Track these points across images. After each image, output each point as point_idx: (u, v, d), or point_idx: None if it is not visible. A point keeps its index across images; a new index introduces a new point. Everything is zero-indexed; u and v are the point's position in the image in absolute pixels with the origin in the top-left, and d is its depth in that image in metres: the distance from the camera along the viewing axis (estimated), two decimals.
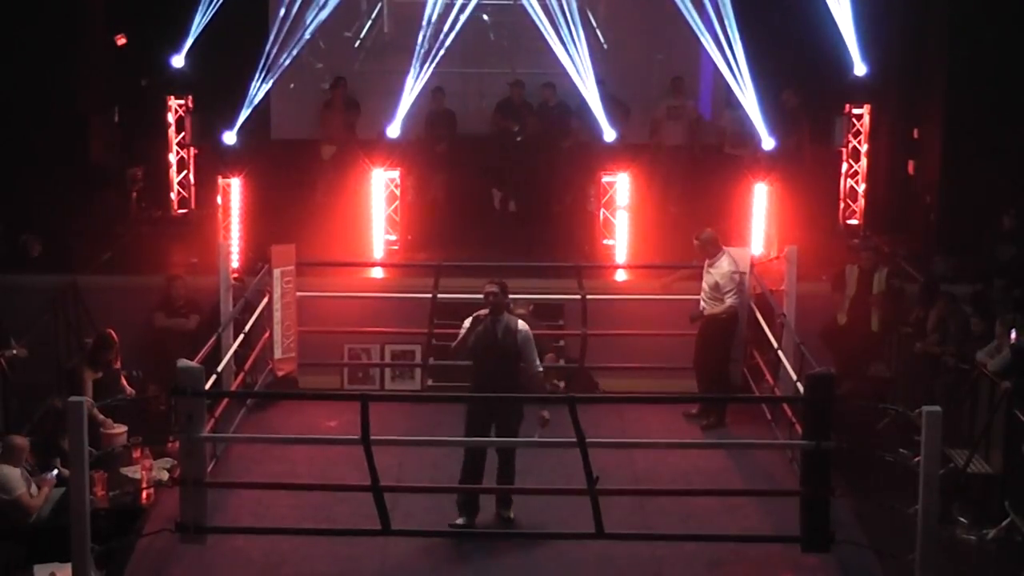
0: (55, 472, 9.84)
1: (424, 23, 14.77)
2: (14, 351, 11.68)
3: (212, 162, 15.04)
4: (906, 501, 8.71)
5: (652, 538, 9.32)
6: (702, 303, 11.70)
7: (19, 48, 14.64)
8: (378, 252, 13.96)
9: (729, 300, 11.50)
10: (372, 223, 13.97)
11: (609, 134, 14.63)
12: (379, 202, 14.00)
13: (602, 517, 8.75)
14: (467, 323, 9.69)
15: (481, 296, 9.70)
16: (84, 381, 11.12)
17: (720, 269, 11.51)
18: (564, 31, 14.55)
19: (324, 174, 15.52)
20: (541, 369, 9.75)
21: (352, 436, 8.66)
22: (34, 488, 9.60)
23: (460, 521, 9.55)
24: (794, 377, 10.65)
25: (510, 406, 9.50)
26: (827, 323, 12.72)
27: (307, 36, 15.13)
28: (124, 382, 11.57)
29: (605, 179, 14.07)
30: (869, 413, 11.36)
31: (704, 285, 11.66)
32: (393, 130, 14.67)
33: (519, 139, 15.57)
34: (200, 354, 9.78)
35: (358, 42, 16.72)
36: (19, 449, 9.66)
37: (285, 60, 14.85)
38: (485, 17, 16.32)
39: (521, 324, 9.65)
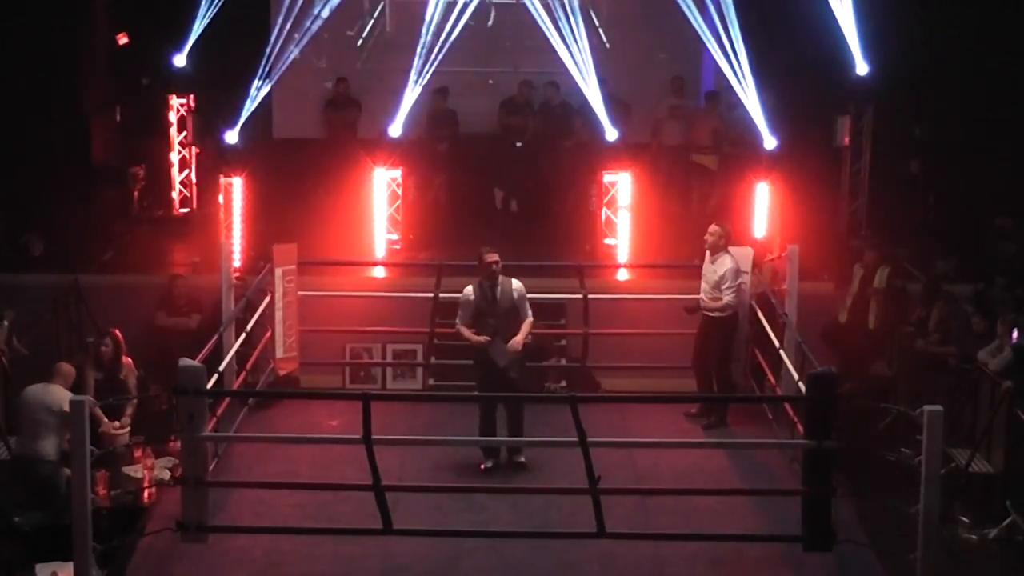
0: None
1: (426, 22, 14.77)
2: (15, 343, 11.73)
3: (214, 161, 15.04)
4: (907, 500, 8.69)
5: (653, 537, 9.32)
6: (702, 299, 11.67)
7: (21, 48, 14.65)
8: (380, 251, 13.96)
9: (727, 297, 11.47)
10: (374, 222, 13.97)
11: (611, 133, 14.63)
12: (381, 201, 14.00)
13: (604, 516, 8.75)
14: (468, 290, 10.56)
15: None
16: (86, 380, 11.11)
17: (724, 265, 11.49)
18: (566, 30, 14.54)
19: (325, 173, 15.52)
20: (530, 317, 10.70)
21: (354, 435, 8.66)
22: None
23: (489, 464, 10.54)
24: (795, 376, 10.65)
25: (515, 365, 10.49)
26: (829, 322, 12.71)
27: (309, 35, 15.14)
28: (132, 380, 11.53)
29: (607, 178, 14.06)
30: (871, 412, 11.35)
31: (704, 284, 11.64)
32: (395, 129, 14.67)
33: (519, 144, 15.59)
34: (202, 353, 9.78)
35: (360, 41, 16.71)
36: (67, 375, 10.30)
37: (287, 59, 14.85)
38: (494, 3, 16.30)
39: (515, 283, 10.62)
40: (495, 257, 10.51)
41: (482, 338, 10.49)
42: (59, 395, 9.94)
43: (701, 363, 11.73)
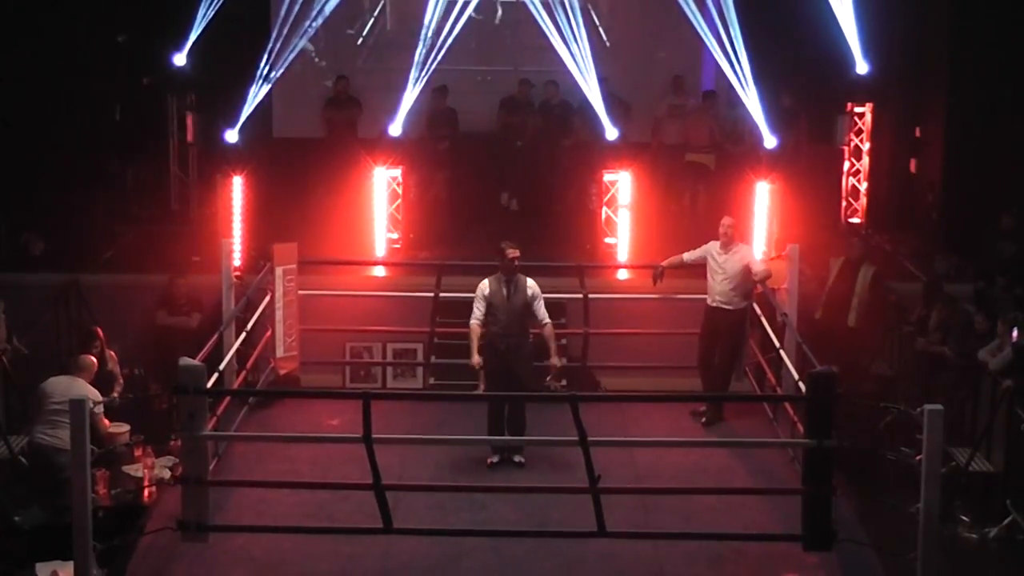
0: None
1: (426, 20, 14.77)
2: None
3: (214, 160, 15.03)
4: (908, 499, 8.71)
5: (654, 536, 9.33)
6: (713, 296, 11.62)
7: (21, 47, 14.64)
8: (380, 250, 13.96)
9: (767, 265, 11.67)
10: (374, 221, 13.97)
11: (611, 132, 14.63)
12: (381, 200, 14.01)
13: (604, 515, 8.75)
14: (484, 284, 10.69)
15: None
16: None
17: (740, 251, 11.48)
18: (566, 29, 14.54)
19: (325, 172, 15.51)
20: (548, 321, 10.80)
21: (354, 434, 8.66)
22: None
23: (495, 459, 10.72)
24: (795, 376, 10.65)
25: (521, 361, 10.68)
26: (807, 320, 12.55)
27: (309, 34, 15.13)
28: (116, 369, 11.59)
29: (607, 177, 14.06)
30: (871, 411, 11.34)
31: (716, 278, 11.55)
32: (395, 128, 14.66)
33: (519, 143, 15.60)
34: (202, 352, 9.80)
35: (360, 39, 16.72)
36: (90, 368, 10.37)
37: (287, 58, 14.84)
38: (499, 10, 16.32)
39: (530, 282, 10.77)
40: (516, 252, 10.71)
41: (476, 359, 10.56)
42: (85, 390, 9.96)
43: (708, 360, 11.67)
